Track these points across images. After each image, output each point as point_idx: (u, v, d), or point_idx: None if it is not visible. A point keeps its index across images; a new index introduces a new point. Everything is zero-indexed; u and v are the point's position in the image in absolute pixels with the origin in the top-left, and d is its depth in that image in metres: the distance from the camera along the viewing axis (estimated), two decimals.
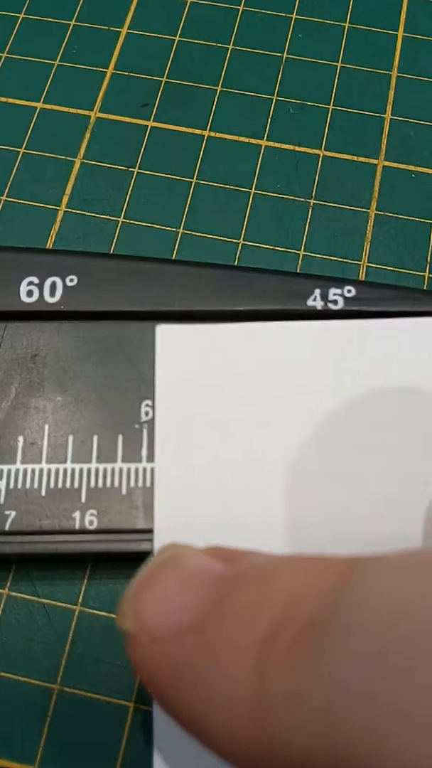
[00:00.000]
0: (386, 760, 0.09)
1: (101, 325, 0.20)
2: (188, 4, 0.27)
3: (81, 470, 0.19)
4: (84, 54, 0.26)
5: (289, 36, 0.26)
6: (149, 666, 0.12)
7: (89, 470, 0.19)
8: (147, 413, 0.19)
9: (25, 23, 0.27)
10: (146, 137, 0.25)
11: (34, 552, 0.18)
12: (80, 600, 0.19)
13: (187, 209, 0.23)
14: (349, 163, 0.24)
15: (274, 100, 0.25)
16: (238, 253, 0.23)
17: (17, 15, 0.27)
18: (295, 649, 0.10)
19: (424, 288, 0.22)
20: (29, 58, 0.26)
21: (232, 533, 0.18)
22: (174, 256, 0.23)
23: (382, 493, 0.18)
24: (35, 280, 0.20)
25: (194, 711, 0.11)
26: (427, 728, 0.09)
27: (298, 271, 0.22)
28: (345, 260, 0.23)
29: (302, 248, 0.23)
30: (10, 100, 0.25)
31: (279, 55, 0.26)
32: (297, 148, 0.24)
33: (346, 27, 0.26)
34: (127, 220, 0.23)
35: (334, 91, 0.25)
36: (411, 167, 0.24)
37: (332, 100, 0.25)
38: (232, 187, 0.24)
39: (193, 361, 0.20)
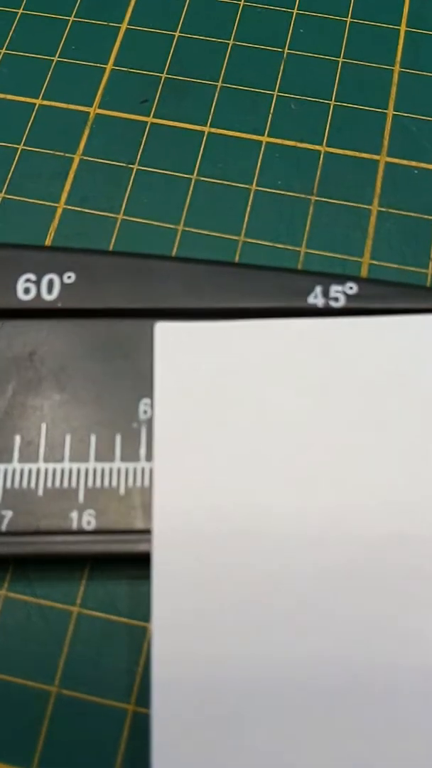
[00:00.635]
0: None
1: (99, 322, 0.20)
2: None
3: (78, 470, 0.19)
4: (83, 50, 0.26)
5: (290, 31, 0.26)
6: None
7: (87, 470, 0.19)
8: (146, 412, 0.19)
9: (23, 19, 0.26)
10: (146, 134, 0.24)
11: (31, 553, 0.18)
12: (78, 601, 0.18)
13: (187, 206, 0.23)
14: (351, 159, 0.24)
15: (275, 96, 0.25)
16: (239, 250, 0.22)
17: (16, 10, 0.27)
18: None
19: (427, 285, 0.22)
20: (28, 54, 0.26)
21: (233, 534, 0.18)
22: (174, 253, 0.22)
23: (386, 493, 0.18)
24: (32, 277, 0.20)
25: None
26: None
27: (299, 268, 0.22)
28: (347, 257, 0.22)
29: (303, 245, 0.23)
30: (9, 97, 0.25)
31: (280, 50, 0.26)
32: (298, 144, 0.24)
33: (348, 22, 0.26)
34: (127, 217, 0.23)
35: (335, 86, 0.25)
36: (414, 163, 0.24)
37: (334, 95, 0.25)
38: (232, 183, 0.23)
39: (192, 359, 0.19)
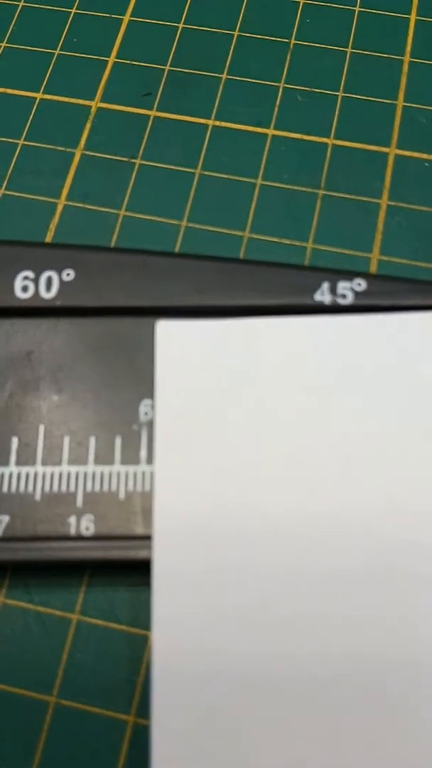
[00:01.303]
0: None
1: (99, 321, 0.20)
2: None
3: (77, 473, 0.18)
4: (84, 42, 0.25)
5: (297, 21, 0.26)
6: None
7: (86, 473, 0.18)
8: (146, 413, 0.19)
9: (24, 11, 0.26)
10: (148, 127, 0.24)
11: (28, 559, 0.18)
12: (78, 608, 0.18)
13: (190, 201, 0.23)
14: (360, 151, 0.23)
15: (281, 88, 0.24)
16: (244, 246, 0.22)
17: (17, 3, 0.26)
18: None
19: None
20: (29, 48, 0.25)
21: (235, 539, 0.17)
22: (177, 249, 0.22)
23: (392, 494, 0.18)
24: (30, 274, 0.20)
25: None
26: None
27: (305, 264, 0.22)
28: (355, 253, 0.22)
29: (310, 241, 0.22)
30: (10, 91, 0.25)
31: (286, 41, 0.25)
32: (305, 137, 0.24)
33: (356, 11, 0.26)
34: (129, 213, 0.23)
35: (343, 77, 0.25)
36: (424, 155, 0.23)
37: (342, 86, 0.24)
38: (237, 177, 0.23)
39: (195, 358, 0.19)
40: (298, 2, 0.26)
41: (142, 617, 0.18)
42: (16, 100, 0.25)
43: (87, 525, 0.18)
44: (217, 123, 0.24)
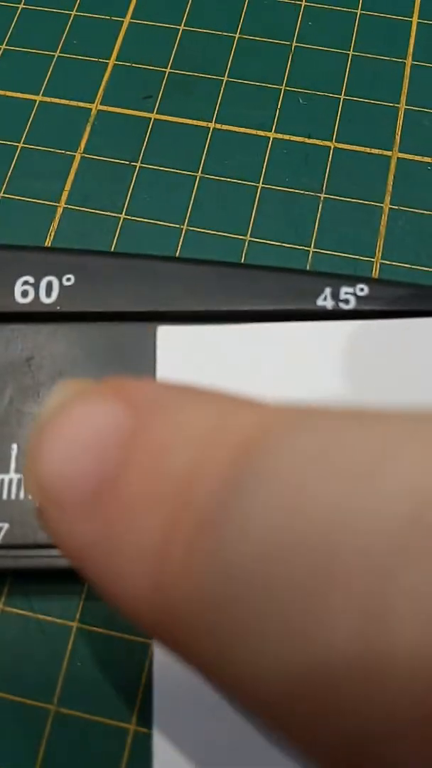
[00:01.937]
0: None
1: (99, 326, 0.19)
2: None
3: None
4: (85, 44, 0.25)
5: (299, 23, 0.25)
6: (56, 536, 0.11)
7: None
8: None
9: (24, 13, 0.26)
10: (149, 130, 0.24)
11: (29, 567, 0.18)
12: (78, 616, 0.18)
13: (191, 205, 0.23)
14: (362, 155, 0.23)
15: (282, 90, 0.24)
16: (245, 250, 0.22)
17: (16, 5, 0.26)
18: (194, 542, 0.09)
19: None
20: (28, 50, 0.25)
21: None
22: (177, 253, 0.22)
23: None
24: (30, 279, 0.20)
25: (106, 594, 0.10)
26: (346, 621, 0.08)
27: (307, 268, 0.22)
28: (357, 257, 0.22)
29: (312, 245, 0.22)
30: (9, 93, 0.25)
31: (287, 43, 0.25)
32: (307, 140, 0.24)
33: (358, 13, 0.26)
34: (129, 217, 0.22)
35: (345, 80, 0.24)
36: (427, 159, 0.23)
37: (344, 89, 0.24)
38: (238, 181, 0.23)
39: (196, 364, 0.19)
40: (300, 4, 0.26)
41: None
42: (15, 103, 0.24)
43: None
44: (218, 126, 0.24)
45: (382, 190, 0.23)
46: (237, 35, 0.25)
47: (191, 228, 0.22)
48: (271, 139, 0.24)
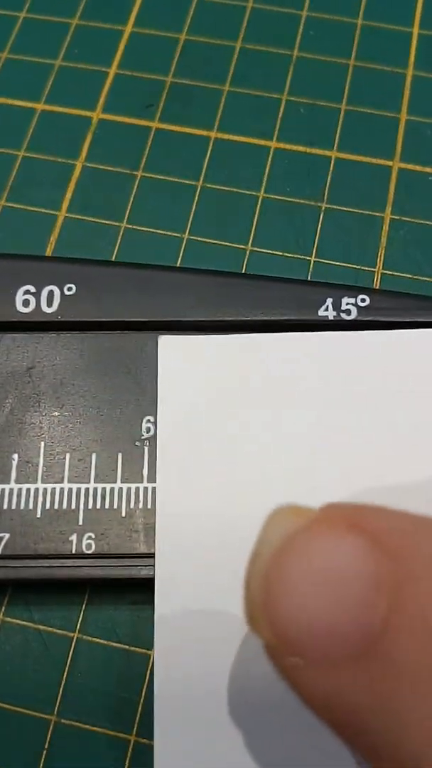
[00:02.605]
0: None
1: (100, 336, 0.19)
2: (194, 1, 0.26)
3: (78, 490, 0.18)
4: (86, 53, 0.25)
5: (300, 33, 0.26)
6: (303, 687, 0.10)
7: (87, 490, 0.18)
8: (148, 430, 0.19)
9: (25, 22, 0.26)
10: (150, 139, 0.24)
11: (29, 577, 0.18)
12: (78, 626, 0.18)
13: (192, 214, 0.23)
14: (363, 165, 0.23)
15: (283, 100, 0.24)
16: (246, 260, 0.22)
17: (18, 14, 0.26)
18: None
19: None
20: (30, 58, 0.25)
21: (239, 557, 0.17)
22: (179, 263, 0.22)
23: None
24: (32, 288, 0.20)
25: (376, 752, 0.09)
26: None
27: (309, 278, 0.22)
28: (358, 267, 0.22)
29: (313, 255, 0.22)
30: (10, 101, 0.25)
31: (289, 53, 0.25)
32: (308, 150, 0.24)
33: (359, 23, 0.26)
34: (130, 226, 0.22)
35: (346, 90, 0.24)
36: (428, 169, 0.23)
37: (345, 99, 0.24)
38: (239, 190, 0.23)
39: (197, 374, 0.19)
40: (301, 14, 0.26)
41: (143, 636, 0.18)
42: (16, 111, 0.24)
43: (88, 543, 0.17)
44: (220, 135, 0.24)
45: (383, 200, 0.23)
46: (239, 45, 0.25)
47: (192, 237, 0.22)
48: (273, 148, 0.24)
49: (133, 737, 0.17)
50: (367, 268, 0.22)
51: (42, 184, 0.23)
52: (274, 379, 0.19)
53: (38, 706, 0.17)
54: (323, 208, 0.23)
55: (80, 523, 0.18)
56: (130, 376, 0.19)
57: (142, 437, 0.19)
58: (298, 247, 0.22)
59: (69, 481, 0.18)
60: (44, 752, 0.17)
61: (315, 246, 0.22)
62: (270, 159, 0.23)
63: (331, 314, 0.19)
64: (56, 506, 0.18)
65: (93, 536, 0.18)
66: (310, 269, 0.22)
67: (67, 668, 0.18)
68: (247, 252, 0.22)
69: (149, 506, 0.18)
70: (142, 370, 0.19)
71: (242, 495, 0.18)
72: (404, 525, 0.10)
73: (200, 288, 0.20)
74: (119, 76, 0.25)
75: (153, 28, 0.26)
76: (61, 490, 0.18)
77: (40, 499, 0.18)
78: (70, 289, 0.20)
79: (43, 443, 0.18)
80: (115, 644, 0.18)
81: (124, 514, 0.18)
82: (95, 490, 0.18)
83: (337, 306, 0.19)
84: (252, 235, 0.22)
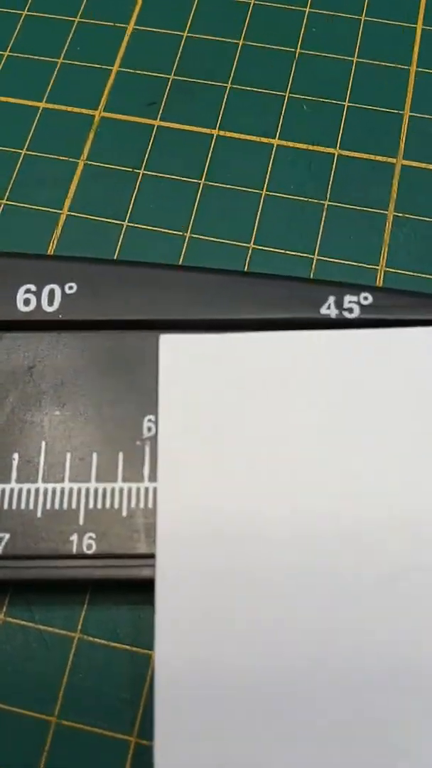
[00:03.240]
0: None
1: (102, 335, 0.19)
2: None
3: (79, 490, 0.18)
4: (88, 51, 0.25)
5: (303, 30, 0.25)
6: None
7: (88, 490, 0.18)
8: (150, 429, 0.18)
9: (27, 20, 0.26)
10: (152, 137, 0.24)
11: (29, 578, 0.17)
12: (80, 627, 0.18)
13: (194, 212, 0.22)
14: (366, 162, 0.23)
15: (286, 97, 0.24)
16: (248, 258, 0.22)
17: (20, 12, 0.26)
18: None
19: None
20: (32, 57, 0.25)
21: (239, 557, 0.17)
22: (181, 261, 0.22)
23: (396, 508, 0.17)
24: (32, 287, 0.19)
25: None
26: None
27: (311, 277, 0.21)
28: (362, 265, 0.22)
29: (316, 252, 0.22)
30: (12, 100, 0.24)
31: (292, 50, 0.25)
32: (311, 147, 0.23)
33: (362, 20, 0.25)
34: (132, 224, 0.22)
35: (349, 87, 0.24)
36: (431, 166, 0.23)
37: (348, 96, 0.24)
38: (242, 188, 0.23)
39: (198, 373, 0.19)
40: (304, 11, 0.26)
41: (144, 636, 0.18)
42: (18, 110, 0.24)
43: (89, 543, 0.17)
44: (222, 133, 0.24)
45: (387, 198, 0.22)
46: (241, 42, 0.25)
47: (194, 236, 0.22)
48: (275, 146, 0.23)
49: (134, 738, 0.17)
50: (370, 266, 0.22)
51: (44, 182, 0.23)
52: (276, 378, 0.19)
53: (39, 707, 0.17)
54: (326, 206, 0.22)
55: (81, 523, 0.17)
56: (131, 375, 0.19)
57: (143, 437, 0.18)
58: (300, 245, 0.22)
59: (70, 481, 0.18)
60: (44, 754, 0.17)
61: (318, 244, 0.22)
62: (273, 156, 0.23)
63: (333, 313, 0.19)
64: (57, 506, 0.18)
65: (94, 536, 0.17)
66: (313, 267, 0.22)
67: (68, 669, 0.17)
68: (250, 250, 0.22)
69: (150, 506, 0.18)
70: (143, 369, 0.19)
71: (243, 494, 0.18)
72: None
73: (202, 286, 0.20)
74: (121, 74, 0.25)
75: (155, 26, 0.26)
76: (62, 489, 0.18)
77: (41, 498, 0.18)
78: (71, 287, 0.19)
79: (44, 442, 0.18)
80: (115, 645, 0.18)
81: (125, 514, 0.18)
82: (96, 489, 0.18)
83: (339, 304, 0.19)
84: (254, 233, 0.22)
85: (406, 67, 0.25)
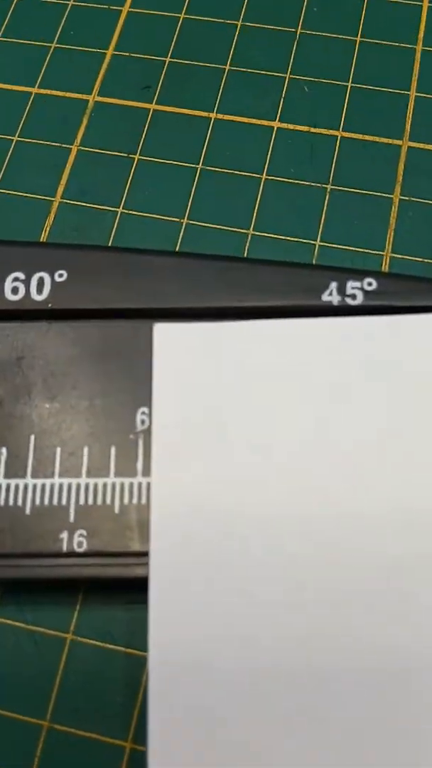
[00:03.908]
0: None
1: (93, 324, 0.19)
2: None
3: (69, 485, 0.17)
4: (82, 34, 0.25)
5: (303, 9, 0.25)
6: None
7: (78, 485, 0.17)
8: (143, 422, 0.18)
9: (20, 3, 0.26)
10: (148, 121, 0.23)
11: (17, 577, 0.17)
12: (72, 627, 0.18)
13: (192, 198, 0.22)
14: (370, 144, 0.23)
15: (286, 79, 0.24)
16: (248, 244, 0.21)
17: None
18: None
19: None
20: (24, 41, 0.25)
21: (235, 554, 0.17)
22: (178, 248, 0.21)
23: (398, 500, 0.17)
24: (21, 275, 0.19)
25: None
26: None
27: (313, 263, 0.21)
28: (366, 250, 0.21)
29: (318, 238, 0.21)
30: (4, 85, 0.24)
31: (292, 30, 0.24)
32: (312, 130, 0.23)
33: None
34: (127, 211, 0.22)
35: (352, 67, 0.24)
36: None
37: (351, 77, 0.24)
38: (241, 172, 0.22)
39: (194, 363, 0.18)
40: None
41: (138, 637, 0.17)
42: (10, 95, 0.24)
43: (80, 540, 0.17)
44: (220, 116, 0.23)
45: (392, 181, 0.22)
46: (239, 22, 0.25)
47: (192, 222, 0.22)
48: (275, 128, 0.23)
49: (129, 744, 0.16)
50: (374, 252, 0.21)
51: (37, 169, 0.23)
52: (274, 368, 0.18)
53: (30, 711, 0.17)
54: (329, 190, 0.22)
55: (71, 519, 0.17)
56: (124, 366, 0.19)
57: (137, 429, 0.18)
58: (302, 231, 0.21)
59: (60, 476, 0.18)
60: (36, 759, 0.16)
61: (320, 230, 0.21)
62: (273, 139, 0.23)
63: (335, 299, 0.19)
64: (46, 502, 0.17)
65: (85, 534, 0.17)
66: (315, 254, 0.21)
67: (60, 671, 0.17)
68: (249, 236, 0.21)
69: (144, 502, 0.17)
70: (136, 359, 0.19)
71: (239, 489, 0.17)
72: None
73: (199, 273, 0.19)
74: (116, 58, 0.24)
75: (151, 7, 0.25)
76: (52, 485, 0.17)
77: (30, 495, 0.17)
78: (61, 275, 0.19)
79: (33, 436, 0.18)
80: (109, 646, 0.17)
81: (117, 511, 0.17)
82: (87, 485, 0.17)
83: (341, 290, 0.19)
84: (254, 218, 0.22)
85: (411, 46, 0.24)
